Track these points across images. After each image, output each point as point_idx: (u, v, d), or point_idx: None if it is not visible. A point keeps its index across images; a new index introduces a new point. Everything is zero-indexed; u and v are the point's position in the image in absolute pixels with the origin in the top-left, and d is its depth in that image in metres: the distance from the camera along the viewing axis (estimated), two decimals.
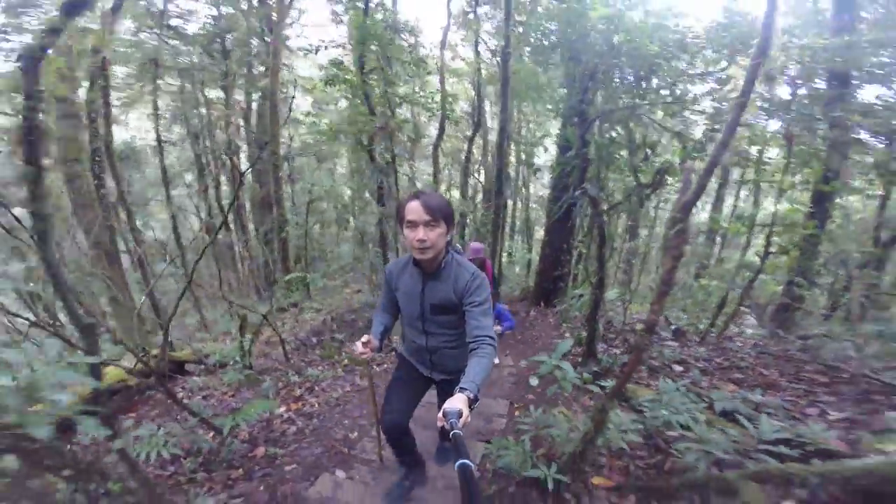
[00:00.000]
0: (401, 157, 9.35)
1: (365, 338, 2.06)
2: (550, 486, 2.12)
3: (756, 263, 5.48)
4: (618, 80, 4.04)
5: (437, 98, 9.63)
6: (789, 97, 5.93)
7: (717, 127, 4.16)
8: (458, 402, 1.45)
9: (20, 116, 2.03)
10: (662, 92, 3.74)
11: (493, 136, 14.39)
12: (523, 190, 17.32)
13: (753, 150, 6.12)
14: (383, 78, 6.95)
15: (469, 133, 14.51)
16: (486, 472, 2.66)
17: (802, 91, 5.70)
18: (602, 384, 3.01)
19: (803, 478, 1.63)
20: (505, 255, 12.76)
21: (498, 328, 4.36)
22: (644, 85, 3.83)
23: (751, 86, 2.17)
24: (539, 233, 16.20)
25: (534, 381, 3.67)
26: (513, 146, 14.41)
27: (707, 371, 4.06)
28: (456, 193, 17.32)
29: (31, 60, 1.99)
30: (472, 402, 1.51)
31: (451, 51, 13.53)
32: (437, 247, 1.85)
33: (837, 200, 6.32)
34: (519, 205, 17.65)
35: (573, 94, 4.67)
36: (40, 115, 2.24)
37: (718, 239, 12.63)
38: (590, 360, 4.37)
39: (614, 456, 2.63)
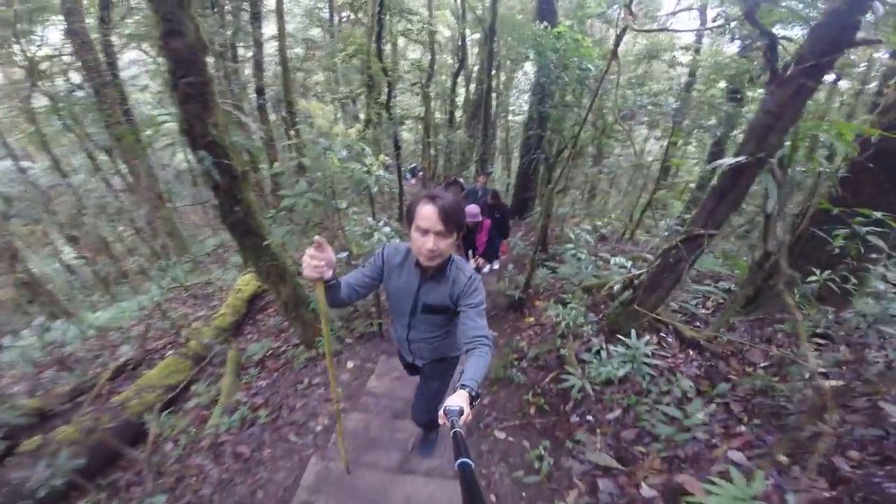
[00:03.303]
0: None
1: (317, 239, 1.64)
2: (516, 298, 5.10)
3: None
4: (563, 86, 6.54)
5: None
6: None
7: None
8: (459, 399, 1.45)
9: None
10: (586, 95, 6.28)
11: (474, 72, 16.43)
12: (502, 115, 19.44)
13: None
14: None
15: (454, 69, 16.56)
16: (489, 300, 5.62)
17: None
18: (546, 263, 5.99)
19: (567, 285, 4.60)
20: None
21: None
22: (576, 90, 6.38)
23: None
24: (515, 154, 18.78)
25: (510, 266, 6.67)
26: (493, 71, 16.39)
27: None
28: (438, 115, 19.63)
29: None
30: (472, 400, 1.51)
31: None
32: (444, 256, 1.84)
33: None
34: (499, 129, 19.74)
35: (537, 90, 7.17)
36: None
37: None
38: (544, 252, 7.35)
39: (545, 292, 5.64)
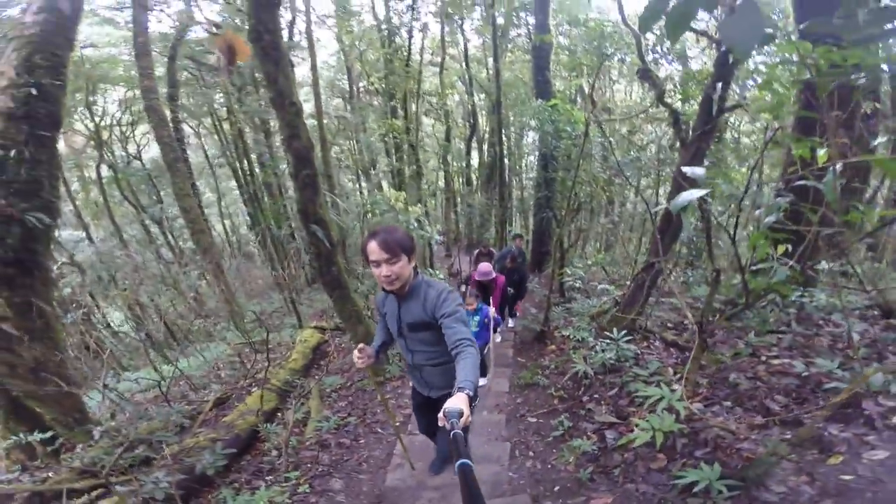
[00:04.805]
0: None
1: (359, 345, 2.34)
2: (539, 331, 6.29)
3: None
4: (562, 152, 8.04)
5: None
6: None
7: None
8: (458, 401, 1.53)
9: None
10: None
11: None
12: (515, 176, 21.02)
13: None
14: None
15: (467, 134, 18.54)
16: (517, 338, 6.79)
17: None
18: (562, 302, 7.21)
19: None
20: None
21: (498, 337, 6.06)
22: (570, 156, 7.88)
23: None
24: (531, 212, 20.26)
25: (532, 310, 7.88)
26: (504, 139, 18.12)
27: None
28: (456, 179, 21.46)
29: None
30: (471, 401, 1.60)
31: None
32: (402, 277, 2.06)
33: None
34: (514, 188, 21.20)
35: (541, 157, 8.77)
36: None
37: None
38: (560, 295, 8.56)
39: (562, 323, 6.80)
